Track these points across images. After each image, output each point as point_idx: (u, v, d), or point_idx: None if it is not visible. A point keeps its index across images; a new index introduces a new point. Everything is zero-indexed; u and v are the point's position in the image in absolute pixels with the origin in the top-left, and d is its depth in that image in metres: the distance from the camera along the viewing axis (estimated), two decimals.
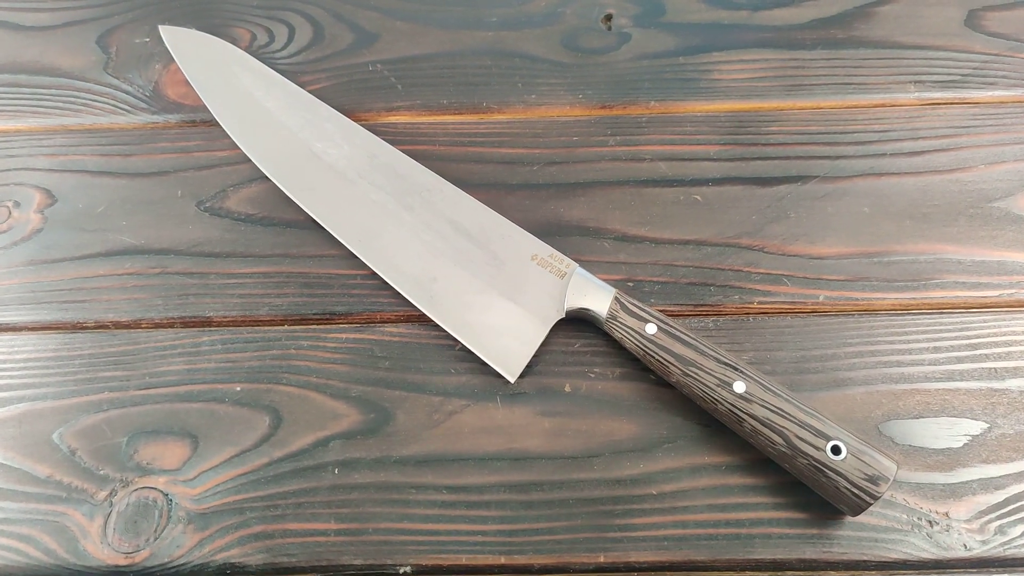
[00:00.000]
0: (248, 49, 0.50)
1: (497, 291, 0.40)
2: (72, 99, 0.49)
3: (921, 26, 0.48)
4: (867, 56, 0.48)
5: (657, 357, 0.37)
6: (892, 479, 0.34)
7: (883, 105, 0.46)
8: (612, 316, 0.38)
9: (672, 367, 0.37)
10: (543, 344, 0.40)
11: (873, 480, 0.34)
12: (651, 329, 0.37)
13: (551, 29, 0.50)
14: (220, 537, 0.37)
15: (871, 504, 0.34)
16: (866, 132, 0.45)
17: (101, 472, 0.39)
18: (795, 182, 0.44)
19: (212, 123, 0.47)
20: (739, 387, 0.36)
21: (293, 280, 0.43)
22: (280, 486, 0.38)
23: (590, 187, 0.45)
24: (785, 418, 0.35)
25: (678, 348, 0.37)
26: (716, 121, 0.46)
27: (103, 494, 0.38)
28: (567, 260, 0.41)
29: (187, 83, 0.49)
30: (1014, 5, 0.49)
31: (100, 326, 0.43)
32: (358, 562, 0.37)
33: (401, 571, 0.36)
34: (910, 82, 0.47)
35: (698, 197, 0.44)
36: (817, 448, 0.34)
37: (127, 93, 0.49)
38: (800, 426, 0.35)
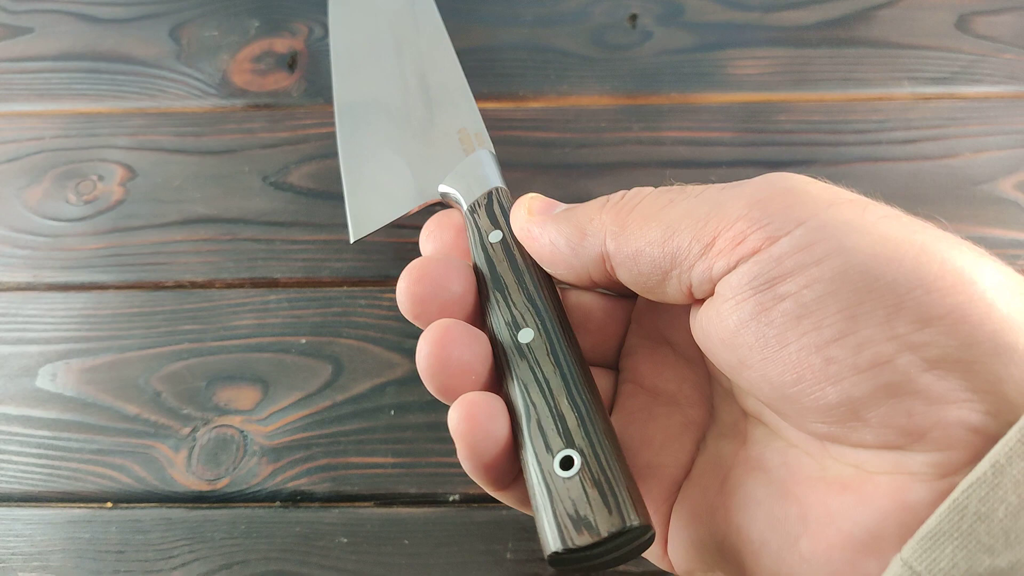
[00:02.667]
0: (306, 42, 0.54)
1: (404, 153, 0.36)
2: (148, 85, 0.53)
3: (915, 28, 0.52)
4: (866, 54, 0.51)
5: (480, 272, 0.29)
6: (607, 536, 0.22)
7: (880, 98, 0.50)
8: (472, 209, 0.31)
9: (485, 289, 0.29)
10: None
11: (581, 524, 0.22)
12: (495, 237, 0.29)
13: (581, 27, 0.54)
14: (290, 468, 0.41)
15: (565, 563, 0.23)
16: (865, 122, 0.49)
17: (184, 412, 0.43)
18: (801, 165, 0.48)
19: (274, 107, 0.51)
20: (525, 335, 0.26)
21: (351, 247, 0.47)
22: (342, 425, 0.42)
23: (616, 167, 0.48)
24: (542, 394, 0.25)
25: (502, 268, 0.28)
26: (730, 110, 0.50)
27: (186, 430, 0.42)
28: (486, 142, 0.36)
29: (252, 71, 0.53)
30: (1000, 11, 0.53)
31: (179, 285, 0.47)
32: (413, 491, 0.41)
33: (450, 499, 0.40)
34: (905, 78, 0.51)
35: (713, 178, 0.48)
36: (544, 452, 0.24)
37: (198, 80, 0.53)
38: (548, 413, 0.24)
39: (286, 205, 0.49)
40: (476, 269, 0.30)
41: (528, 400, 0.25)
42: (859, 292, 0.19)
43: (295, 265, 0.47)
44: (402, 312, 0.28)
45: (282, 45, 0.54)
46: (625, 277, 0.25)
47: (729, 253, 0.21)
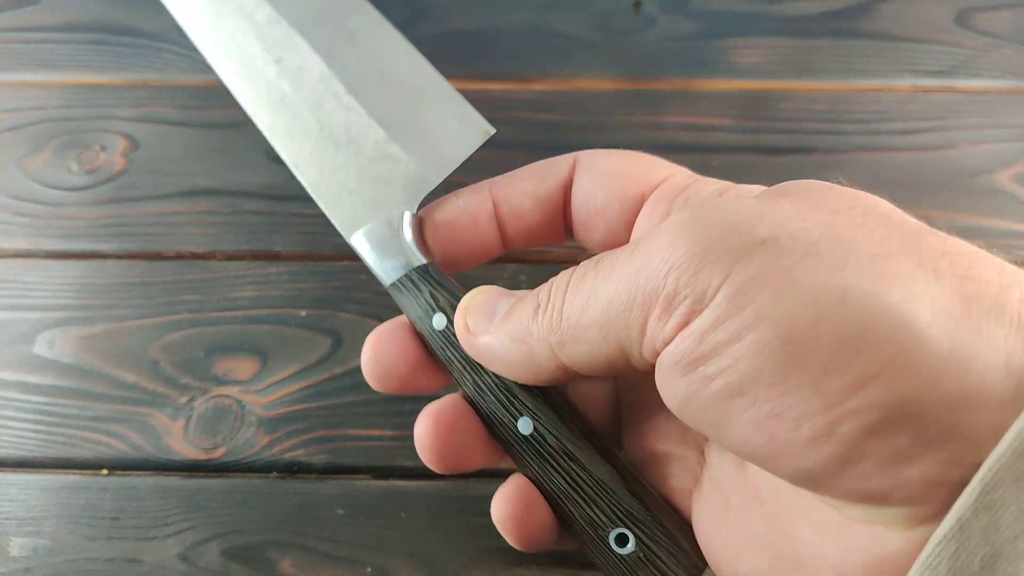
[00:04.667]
0: None
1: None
2: (153, 57, 0.52)
3: (916, 22, 0.52)
4: (868, 46, 0.51)
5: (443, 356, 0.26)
6: None
7: (881, 89, 0.49)
8: (400, 289, 0.27)
9: (457, 375, 0.26)
10: None
11: None
12: (439, 322, 0.26)
13: (586, 11, 0.53)
14: (287, 439, 0.40)
15: None
16: (865, 112, 0.49)
17: (182, 381, 0.42)
18: (801, 153, 0.47)
19: None
20: (525, 426, 0.25)
21: None
22: (340, 398, 0.41)
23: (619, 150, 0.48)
24: (571, 483, 0.24)
25: (462, 356, 0.25)
26: (732, 97, 0.49)
27: (184, 399, 0.42)
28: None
29: None
30: (999, 7, 0.52)
31: (179, 256, 0.46)
32: (410, 464, 0.40)
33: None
34: (905, 70, 0.50)
35: (714, 163, 0.47)
36: (598, 530, 0.24)
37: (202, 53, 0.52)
38: (585, 499, 0.24)
39: (288, 179, 0.47)
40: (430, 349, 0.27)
41: (558, 486, 0.24)
42: (784, 365, 0.18)
43: (296, 238, 0.46)
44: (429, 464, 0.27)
45: None
46: (592, 372, 0.23)
47: (662, 331, 0.19)
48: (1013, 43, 0.51)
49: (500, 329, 0.24)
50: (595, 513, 0.24)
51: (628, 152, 0.27)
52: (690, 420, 0.20)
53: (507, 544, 0.38)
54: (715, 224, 0.19)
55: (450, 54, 0.52)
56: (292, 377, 0.42)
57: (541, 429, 0.24)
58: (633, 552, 0.23)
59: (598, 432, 0.26)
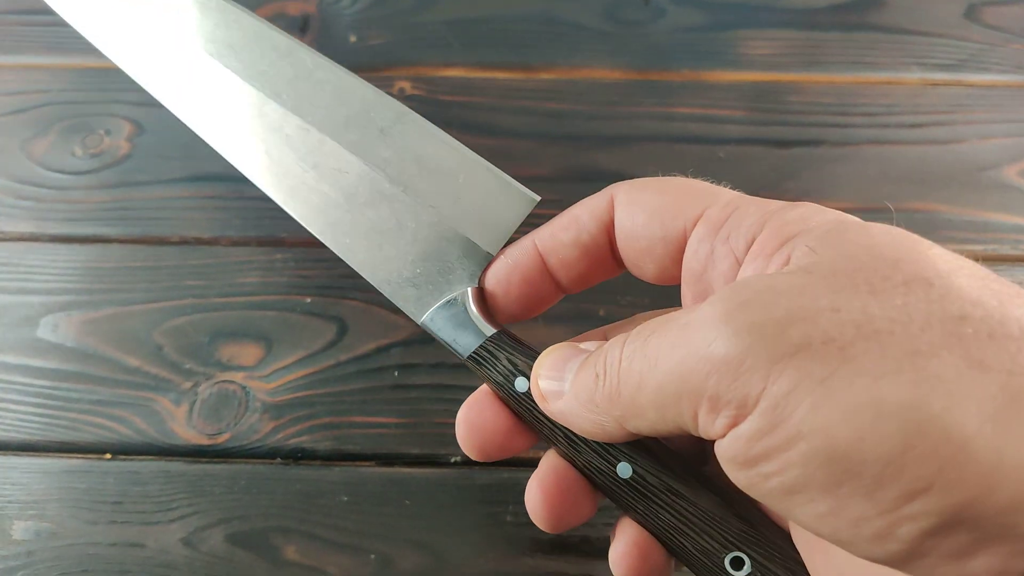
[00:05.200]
0: (318, 5, 0.53)
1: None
2: None
3: (926, 16, 0.51)
4: (877, 39, 0.50)
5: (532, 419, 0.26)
6: None
7: (889, 83, 0.49)
8: (478, 361, 0.27)
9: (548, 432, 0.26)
10: None
11: None
12: (521, 385, 0.26)
13: (596, 2, 0.52)
14: (292, 425, 0.40)
15: None
16: (873, 105, 0.48)
17: (186, 366, 0.42)
18: (809, 145, 0.47)
19: None
20: (624, 470, 0.25)
21: None
22: (346, 384, 0.41)
23: (626, 141, 0.47)
24: (678, 517, 0.25)
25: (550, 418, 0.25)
26: (741, 89, 0.49)
27: (188, 384, 0.41)
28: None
29: None
30: (1009, 2, 0.52)
31: (184, 241, 0.45)
32: (415, 451, 0.39)
33: (452, 460, 0.39)
34: (914, 64, 0.50)
35: (722, 155, 0.47)
36: (712, 556, 0.24)
37: None
38: (695, 530, 0.24)
39: None
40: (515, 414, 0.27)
41: (666, 521, 0.25)
42: (834, 476, 0.17)
43: (302, 226, 0.45)
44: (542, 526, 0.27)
45: (294, 8, 0.53)
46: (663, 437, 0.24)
47: (711, 426, 0.19)
48: (1022, 38, 0.50)
49: (571, 397, 0.24)
50: (707, 541, 0.24)
51: (663, 182, 0.26)
52: (757, 499, 0.20)
53: (509, 532, 0.37)
54: (750, 327, 0.18)
55: (458, 42, 0.51)
56: (297, 363, 0.42)
57: (640, 471, 0.25)
58: (750, 573, 0.24)
59: (688, 459, 0.26)
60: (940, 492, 0.16)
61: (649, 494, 0.25)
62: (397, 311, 0.42)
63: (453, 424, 0.40)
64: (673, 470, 0.25)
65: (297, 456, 0.39)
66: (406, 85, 0.50)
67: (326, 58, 0.32)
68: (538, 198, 0.29)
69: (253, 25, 0.33)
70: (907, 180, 0.46)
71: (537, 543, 0.37)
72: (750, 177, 0.46)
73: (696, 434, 0.20)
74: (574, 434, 0.25)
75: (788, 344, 0.18)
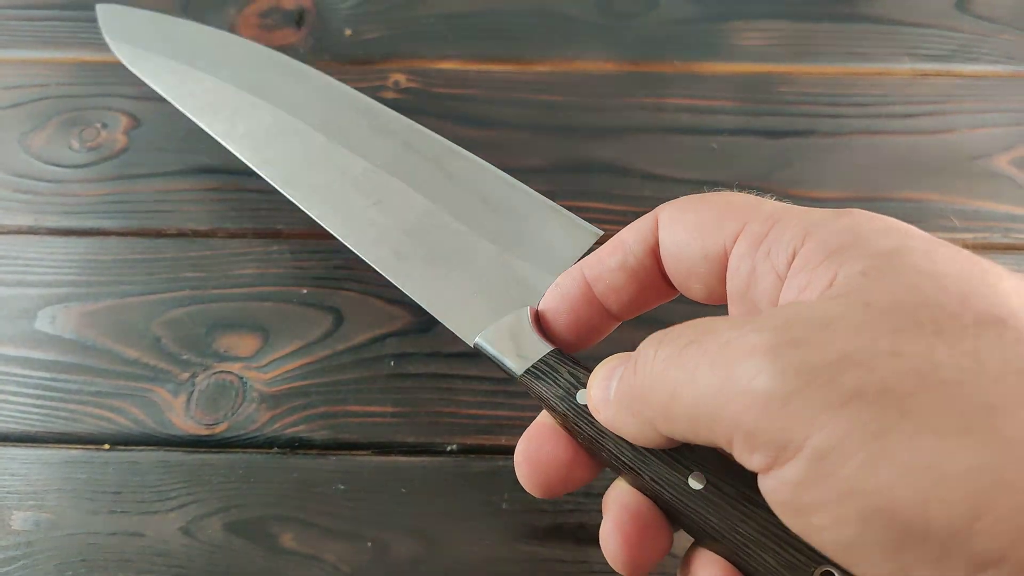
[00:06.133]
0: (315, 1, 0.52)
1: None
2: None
3: (916, 6, 0.51)
4: (868, 30, 0.50)
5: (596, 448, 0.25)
6: None
7: (880, 73, 0.49)
8: (536, 376, 0.26)
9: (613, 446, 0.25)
10: None
11: None
12: (583, 397, 0.25)
13: None
14: (289, 415, 0.40)
15: None
16: (865, 96, 0.48)
17: (184, 357, 0.42)
18: (800, 136, 0.47)
19: None
20: (696, 482, 0.23)
21: None
22: (342, 374, 0.41)
23: (619, 132, 0.47)
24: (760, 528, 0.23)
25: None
26: (732, 80, 0.49)
27: (185, 375, 0.41)
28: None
29: (259, 26, 0.51)
30: None
31: (181, 233, 0.45)
32: (411, 440, 0.39)
33: (448, 448, 0.39)
34: (905, 54, 0.50)
35: (714, 145, 0.47)
36: (798, 571, 0.22)
37: None
38: (778, 543, 0.22)
39: None
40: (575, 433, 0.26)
41: (746, 535, 0.23)
42: (894, 540, 0.16)
43: (298, 217, 0.45)
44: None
45: (289, 2, 0.53)
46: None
47: (747, 458, 0.18)
48: (1012, 28, 0.50)
49: (614, 401, 0.23)
50: (792, 555, 0.22)
51: (704, 199, 0.24)
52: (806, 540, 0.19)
53: (505, 519, 0.37)
54: (799, 368, 0.16)
55: (452, 35, 0.51)
56: (293, 354, 0.42)
57: (713, 479, 0.23)
58: None
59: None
60: (1014, 565, 0.15)
61: (726, 504, 0.23)
62: (393, 301, 0.43)
63: (448, 413, 0.40)
64: (746, 478, 0.22)
65: (294, 445, 0.39)
66: (401, 78, 0.50)
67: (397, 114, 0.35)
68: (601, 232, 0.29)
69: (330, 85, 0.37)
70: (898, 169, 0.46)
71: (532, 530, 0.37)
72: (742, 167, 0.46)
73: (730, 455, 0.19)
74: (640, 448, 0.23)
75: (840, 392, 0.16)
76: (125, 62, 0.42)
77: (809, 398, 0.16)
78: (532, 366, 0.26)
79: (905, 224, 0.20)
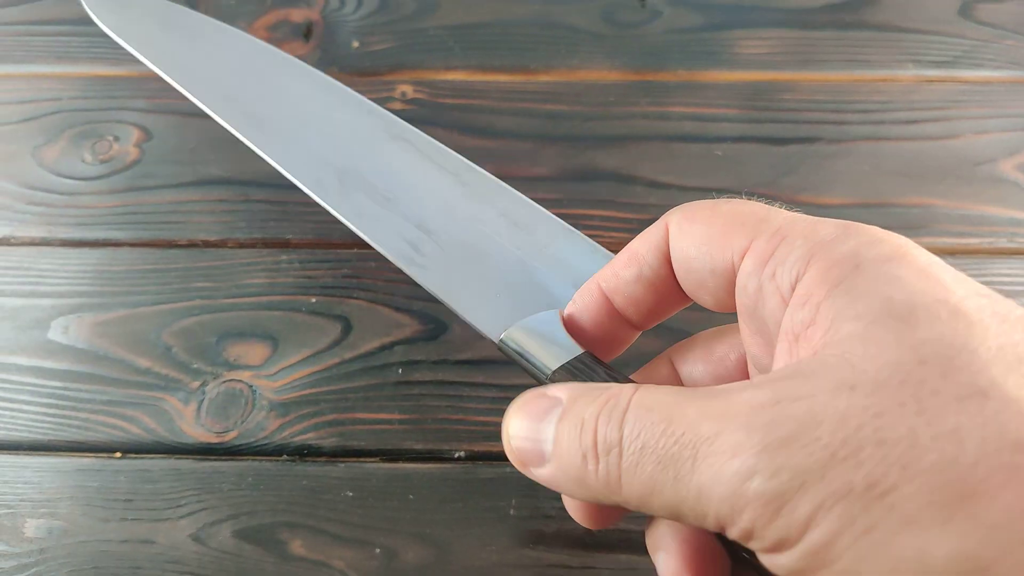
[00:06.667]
0: (321, 12, 0.53)
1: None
2: None
3: (920, 13, 0.51)
4: (871, 37, 0.51)
5: None
6: None
7: (884, 80, 0.49)
8: (575, 370, 0.26)
9: None
10: None
11: None
12: None
13: (592, 4, 0.53)
14: (298, 423, 0.40)
15: None
16: (868, 102, 0.48)
17: (194, 366, 0.42)
18: (804, 143, 0.47)
19: None
20: None
21: None
22: (350, 382, 0.41)
23: (624, 140, 0.48)
24: None
25: None
26: (736, 88, 0.49)
27: (196, 384, 0.41)
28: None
29: (268, 39, 0.52)
30: None
31: (192, 244, 0.46)
32: (419, 447, 0.40)
33: (455, 455, 0.39)
34: (908, 61, 0.50)
35: (719, 152, 0.47)
36: None
37: None
38: None
39: None
40: None
41: None
42: None
43: (307, 227, 0.46)
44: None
45: (298, 15, 0.53)
46: None
47: (742, 542, 0.18)
48: (1016, 34, 0.50)
49: (555, 468, 0.21)
50: None
51: (713, 209, 0.23)
52: None
53: (512, 525, 0.37)
54: (792, 471, 0.17)
55: (458, 47, 0.51)
56: (303, 362, 0.42)
57: None
58: None
59: None
60: None
61: None
62: (400, 310, 0.43)
63: (456, 420, 0.40)
64: None
65: (303, 453, 0.40)
66: (408, 89, 0.50)
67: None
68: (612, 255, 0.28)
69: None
70: (902, 175, 0.46)
71: (539, 535, 0.37)
72: (747, 174, 0.46)
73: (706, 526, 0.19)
74: None
75: (831, 491, 0.16)
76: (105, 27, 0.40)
77: (803, 499, 0.16)
78: (567, 363, 0.26)
79: (904, 247, 0.19)
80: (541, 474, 0.22)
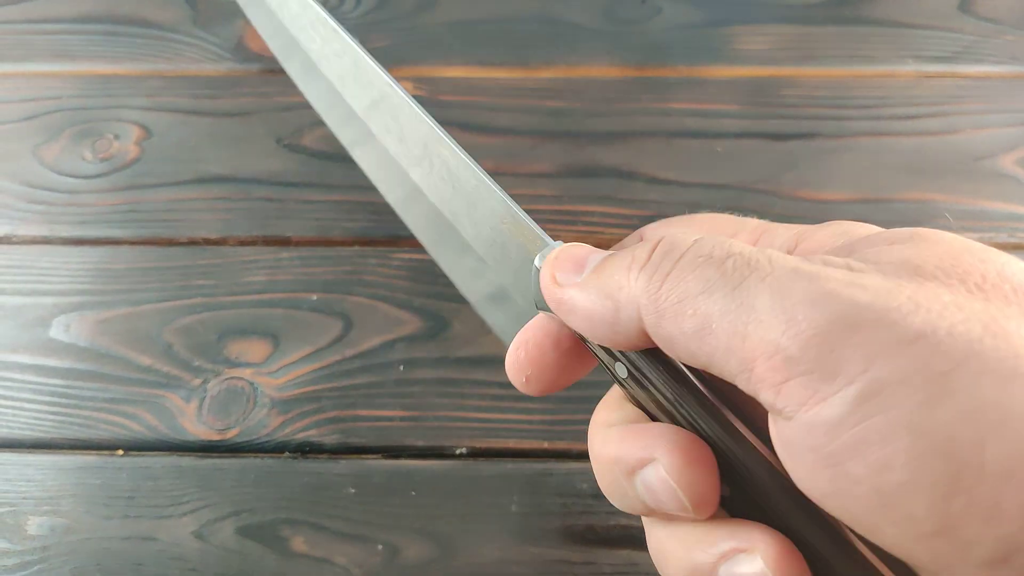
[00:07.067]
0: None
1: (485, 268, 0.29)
2: (165, 48, 0.52)
3: (920, 8, 0.51)
4: (871, 32, 0.50)
5: (629, 398, 0.23)
6: None
7: (884, 75, 0.49)
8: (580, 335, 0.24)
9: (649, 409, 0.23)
10: None
11: None
12: (621, 371, 0.23)
13: (593, 1, 0.52)
14: (299, 420, 0.40)
15: None
16: (868, 98, 0.48)
17: (195, 364, 0.42)
18: (805, 138, 0.47)
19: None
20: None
21: (363, 207, 0.46)
22: (351, 379, 0.41)
23: (625, 137, 0.47)
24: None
25: (653, 407, 0.22)
26: (737, 84, 0.49)
27: (197, 381, 0.41)
28: (538, 235, 0.26)
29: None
30: None
31: (192, 242, 0.45)
32: (420, 443, 0.40)
33: (457, 452, 0.39)
34: (909, 56, 0.50)
35: (719, 148, 0.47)
36: None
37: (214, 44, 0.52)
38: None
39: (299, 166, 0.47)
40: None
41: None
42: (944, 485, 0.15)
43: (307, 224, 0.46)
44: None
45: None
46: (666, 351, 0.20)
47: (773, 389, 0.17)
48: (1016, 29, 0.50)
49: (588, 281, 0.21)
50: None
51: (688, 219, 0.23)
52: (831, 510, 0.17)
53: (514, 522, 0.37)
54: (870, 304, 0.16)
55: (458, 43, 0.51)
56: (304, 359, 0.42)
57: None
58: None
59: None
60: None
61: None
62: (402, 307, 0.43)
63: (457, 417, 0.40)
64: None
65: (305, 450, 0.40)
66: (408, 86, 0.50)
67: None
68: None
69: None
70: (903, 170, 0.46)
71: (542, 532, 0.37)
72: (748, 170, 0.46)
73: (724, 372, 0.18)
74: (687, 411, 0.21)
75: (908, 329, 0.16)
76: None
77: (876, 332, 0.16)
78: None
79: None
80: (569, 291, 0.21)
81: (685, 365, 0.22)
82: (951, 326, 0.16)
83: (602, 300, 0.20)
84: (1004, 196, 0.45)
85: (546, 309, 0.24)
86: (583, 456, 0.39)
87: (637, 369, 0.22)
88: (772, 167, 0.46)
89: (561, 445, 0.39)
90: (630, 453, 0.20)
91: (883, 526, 0.16)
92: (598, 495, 0.37)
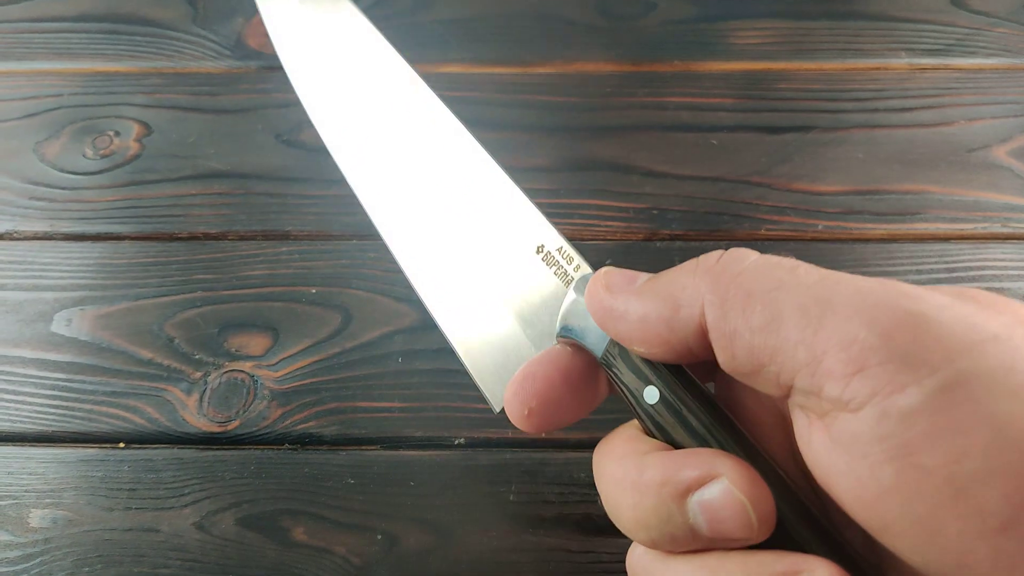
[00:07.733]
0: None
1: (498, 293, 0.28)
2: (165, 46, 0.52)
3: (913, 2, 0.52)
4: (865, 26, 0.51)
5: (653, 427, 0.22)
6: None
7: (878, 68, 0.49)
8: (607, 361, 0.23)
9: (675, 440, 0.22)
10: None
11: None
12: (651, 396, 0.22)
13: None
14: (299, 412, 0.40)
15: None
16: (862, 91, 0.48)
17: (196, 357, 0.42)
18: (799, 131, 0.47)
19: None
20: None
21: (360, 202, 0.46)
22: (351, 371, 0.41)
23: (621, 131, 0.48)
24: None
25: (679, 435, 0.22)
26: (731, 78, 0.49)
27: (198, 374, 0.42)
28: (577, 259, 0.26)
29: (267, 35, 0.52)
30: None
31: (193, 237, 0.46)
32: (419, 434, 0.40)
33: (455, 442, 0.39)
34: (902, 49, 0.50)
35: (715, 141, 0.47)
36: None
37: (213, 42, 0.52)
38: None
39: (298, 162, 0.48)
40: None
41: None
42: (1022, 475, 0.15)
43: (306, 219, 0.46)
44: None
45: None
46: (718, 356, 0.20)
47: (842, 380, 0.17)
48: (1008, 22, 0.50)
49: (646, 286, 0.21)
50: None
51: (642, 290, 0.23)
52: (881, 516, 0.17)
53: (512, 511, 0.38)
54: (936, 307, 0.17)
55: (456, 40, 0.51)
56: (303, 352, 0.42)
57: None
58: None
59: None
60: None
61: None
62: (400, 299, 0.43)
63: (455, 408, 0.40)
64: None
65: (305, 441, 0.40)
66: None
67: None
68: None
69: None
70: (897, 162, 0.46)
71: (539, 520, 0.37)
72: (742, 163, 0.46)
73: (784, 370, 0.18)
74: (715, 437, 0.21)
75: (987, 330, 0.16)
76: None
77: (957, 328, 0.16)
78: (607, 349, 0.24)
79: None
80: (623, 298, 0.21)
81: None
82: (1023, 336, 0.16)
83: (661, 301, 0.20)
84: (997, 187, 0.45)
85: (569, 336, 0.24)
86: (580, 446, 0.39)
87: (672, 392, 0.22)
88: (767, 160, 0.46)
89: (558, 435, 0.39)
90: (686, 474, 0.19)
91: (948, 522, 0.16)
92: (595, 484, 0.37)
